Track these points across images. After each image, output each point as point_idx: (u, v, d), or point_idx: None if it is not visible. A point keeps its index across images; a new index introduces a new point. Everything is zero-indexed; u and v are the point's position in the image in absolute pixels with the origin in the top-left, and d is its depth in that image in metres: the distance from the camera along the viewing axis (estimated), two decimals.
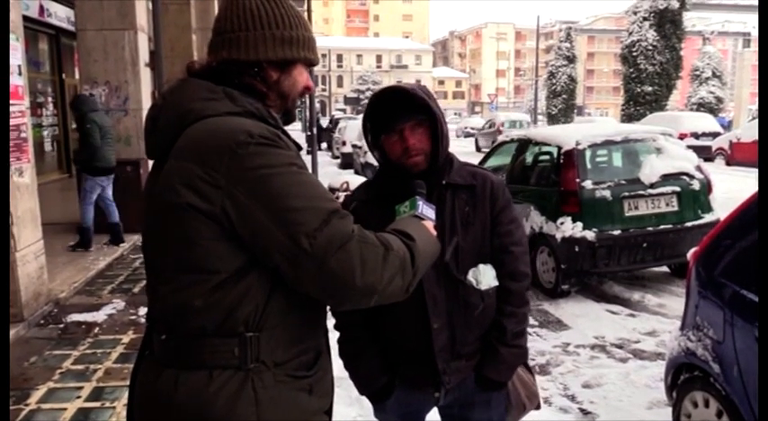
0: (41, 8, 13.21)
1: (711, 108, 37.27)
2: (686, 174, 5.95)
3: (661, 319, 5.30)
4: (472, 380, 1.88)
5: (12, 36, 4.71)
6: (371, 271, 1.17)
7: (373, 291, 1.18)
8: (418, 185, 1.64)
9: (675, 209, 5.86)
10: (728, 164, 18.44)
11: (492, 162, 7.29)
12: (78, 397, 3.67)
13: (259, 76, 1.32)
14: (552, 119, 45.33)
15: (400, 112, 1.76)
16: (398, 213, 1.52)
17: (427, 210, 1.50)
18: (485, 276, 1.83)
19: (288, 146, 1.23)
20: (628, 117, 32.12)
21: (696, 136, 20.87)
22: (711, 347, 2.71)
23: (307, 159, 15.72)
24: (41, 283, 5.23)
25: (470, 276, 1.82)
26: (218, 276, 1.17)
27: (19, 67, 4.87)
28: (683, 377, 2.95)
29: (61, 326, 4.96)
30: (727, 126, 32.38)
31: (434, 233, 1.46)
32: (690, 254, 3.10)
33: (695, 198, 5.95)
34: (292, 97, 1.39)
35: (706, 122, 22.24)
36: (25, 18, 10.00)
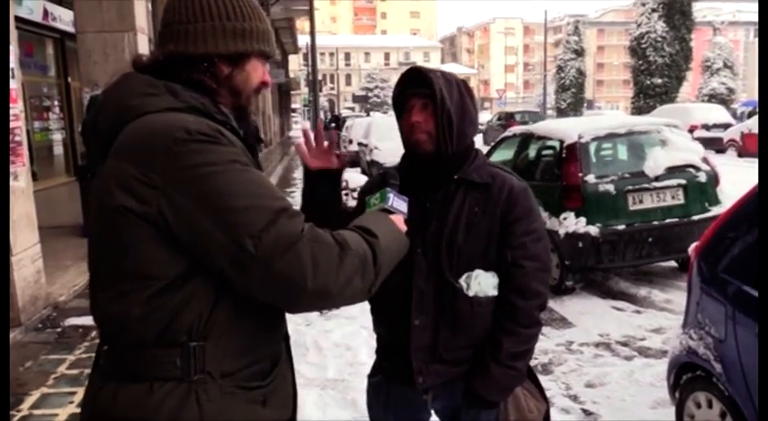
0: (45, 12, 13.20)
1: (723, 99, 36.92)
2: (692, 166, 5.82)
3: (668, 316, 5.18)
4: (461, 390, 1.79)
5: None
6: (325, 272, 1.10)
7: (328, 294, 1.11)
8: (390, 176, 1.56)
9: (681, 202, 5.73)
10: (740, 155, 18.17)
11: (495, 157, 7.19)
12: (71, 402, 3.63)
13: (209, 72, 1.25)
14: (562, 113, 45.09)
15: (411, 91, 1.75)
16: (368, 205, 1.43)
17: (398, 203, 1.41)
18: (478, 283, 1.72)
19: (231, 142, 1.15)
20: (638, 110, 31.82)
21: (707, 127, 20.62)
22: (713, 346, 2.61)
23: None
24: (39, 287, 5.20)
25: (462, 280, 1.72)
26: (157, 283, 1.11)
27: (12, 70, 4.83)
28: (686, 377, 2.86)
29: (59, 329, 4.94)
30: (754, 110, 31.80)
31: (403, 227, 1.37)
32: (691, 248, 2.99)
33: (702, 190, 5.82)
34: (246, 93, 1.31)
35: (717, 114, 21.95)
36: (29, 22, 10.01)
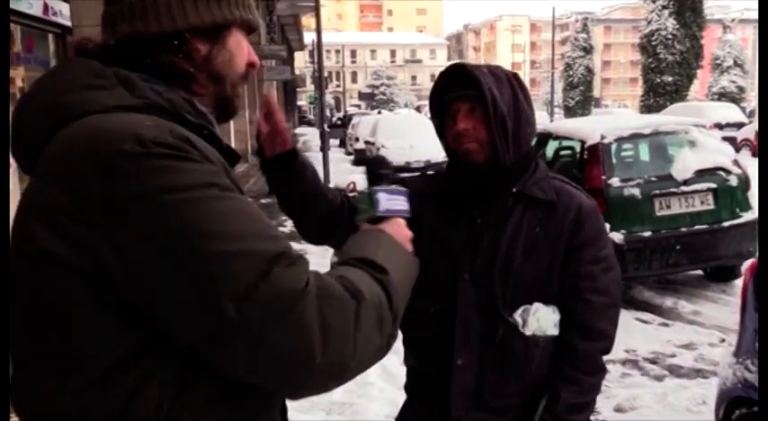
0: (46, 6, 12.94)
1: (733, 97, 36.52)
2: (722, 169, 5.47)
3: (698, 330, 4.84)
4: None
5: None
6: (339, 340, 0.78)
7: (344, 369, 0.80)
8: (376, 164, 1.23)
9: (711, 207, 5.38)
10: (755, 155, 17.78)
11: None
12: None
13: (181, 52, 0.92)
14: (570, 111, 44.74)
15: (455, 94, 1.47)
16: (357, 213, 1.11)
17: (391, 203, 1.09)
18: (536, 319, 1.43)
19: (206, 157, 0.82)
20: (647, 108, 31.38)
21: (720, 126, 20.16)
22: None
23: (317, 157, 15.45)
24: None
25: (518, 315, 1.42)
26: (96, 364, 0.77)
27: None
28: (739, 412, 2.53)
29: None
30: None
31: (407, 234, 1.05)
32: (746, 265, 2.66)
33: (732, 195, 5.47)
34: (231, 79, 0.98)
35: (730, 112, 21.54)
36: (30, 17, 9.75)
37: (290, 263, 0.79)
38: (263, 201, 11.75)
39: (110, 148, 0.76)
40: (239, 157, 0.96)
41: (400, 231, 1.04)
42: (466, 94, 1.44)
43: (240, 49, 0.99)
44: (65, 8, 13.34)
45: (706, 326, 4.86)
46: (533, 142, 1.52)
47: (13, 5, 6.85)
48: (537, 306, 1.43)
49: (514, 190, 1.46)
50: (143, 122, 0.80)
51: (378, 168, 1.21)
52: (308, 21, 33.83)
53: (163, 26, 0.91)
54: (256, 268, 0.75)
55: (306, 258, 0.82)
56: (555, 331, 1.44)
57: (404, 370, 1.66)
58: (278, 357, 0.76)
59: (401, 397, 1.70)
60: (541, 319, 1.43)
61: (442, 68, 1.53)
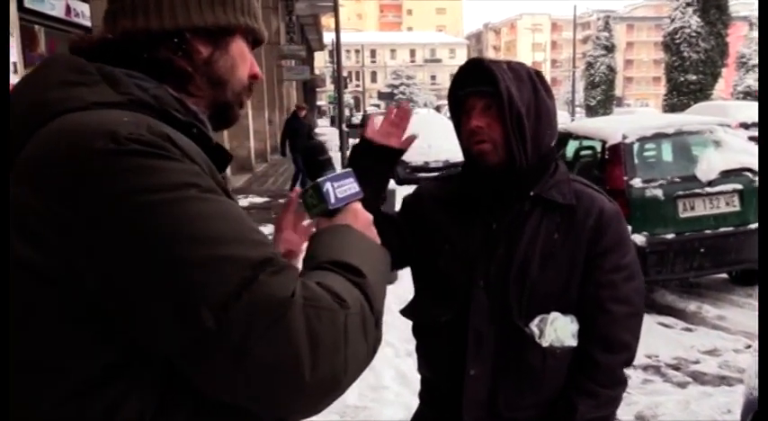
0: (68, 8, 13.13)
1: None
2: (749, 170, 5.31)
3: (722, 335, 4.71)
4: None
5: None
6: (330, 353, 0.73)
7: (336, 384, 0.75)
8: (316, 151, 1.14)
9: (737, 209, 5.23)
10: None
11: None
12: None
13: (181, 50, 0.88)
14: (591, 110, 44.37)
15: (470, 89, 1.40)
16: (308, 208, 1.00)
17: (340, 190, 0.97)
18: (554, 330, 1.36)
19: (188, 155, 0.77)
20: (671, 107, 31.00)
21: (746, 126, 19.75)
22: None
23: (336, 157, 15.42)
24: None
25: (534, 325, 1.35)
26: (71, 378, 0.73)
27: (15, 64, 4.60)
28: None
29: None
30: None
31: (368, 218, 0.97)
32: None
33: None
34: (233, 86, 0.94)
35: (756, 112, 21.16)
36: (52, 18, 9.88)
37: (277, 270, 0.73)
38: (281, 200, 11.80)
39: (82, 147, 0.72)
40: (230, 157, 0.92)
41: (360, 219, 0.96)
42: (481, 91, 1.37)
43: (243, 57, 0.95)
44: (86, 9, 13.51)
45: (731, 332, 4.73)
46: (554, 143, 1.45)
47: (35, 7, 6.92)
48: (554, 315, 1.36)
49: (532, 193, 1.39)
50: (120, 119, 0.76)
51: (316, 155, 1.11)
52: (327, 20, 33.91)
53: (164, 23, 0.87)
54: (239, 275, 0.70)
55: (295, 266, 0.77)
56: (573, 342, 1.37)
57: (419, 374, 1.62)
58: (263, 373, 0.70)
59: (416, 401, 1.65)
60: (559, 330, 1.36)
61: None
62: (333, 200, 0.96)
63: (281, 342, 0.70)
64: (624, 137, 5.31)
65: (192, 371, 0.72)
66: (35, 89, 0.82)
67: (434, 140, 13.39)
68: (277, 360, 0.70)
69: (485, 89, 1.36)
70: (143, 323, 0.71)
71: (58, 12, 12.23)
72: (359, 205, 0.98)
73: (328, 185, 0.97)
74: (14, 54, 4.64)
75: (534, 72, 1.41)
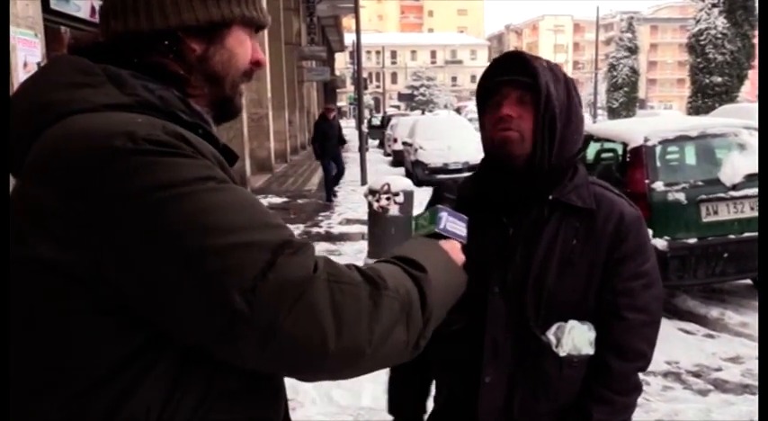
0: (93, 9, 13.30)
1: None
2: None
3: (745, 342, 4.62)
4: None
5: (30, 32, 4.54)
6: (353, 324, 0.77)
7: (359, 354, 0.78)
8: (445, 188, 1.19)
9: None
10: None
11: None
12: None
13: (173, 52, 0.87)
14: (613, 113, 43.92)
15: (508, 78, 1.35)
16: (415, 228, 1.09)
17: (453, 225, 1.07)
18: (571, 338, 1.33)
19: (200, 152, 0.79)
20: (695, 110, 30.56)
21: None
22: None
23: (355, 158, 15.42)
24: None
25: (551, 333, 1.33)
26: (85, 374, 0.75)
27: (38, 64, 4.66)
28: None
29: None
30: None
31: (459, 257, 1.02)
32: None
33: None
34: (231, 79, 0.93)
35: None
36: (77, 19, 10.03)
37: (295, 250, 0.78)
38: (300, 201, 11.85)
39: (101, 147, 0.74)
40: (237, 157, 0.93)
41: (453, 247, 1.02)
42: (518, 80, 1.33)
43: (243, 47, 0.94)
44: None
45: (754, 339, 4.62)
46: (577, 150, 1.42)
47: (60, 8, 7.00)
48: (572, 324, 1.33)
49: (551, 198, 1.36)
50: (134, 120, 0.77)
51: (445, 192, 1.18)
52: (348, 22, 34.02)
53: (155, 24, 0.86)
54: (262, 259, 0.74)
55: (311, 244, 0.81)
56: (591, 350, 1.34)
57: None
58: (291, 345, 0.75)
59: (431, 404, 1.64)
60: (576, 338, 1.33)
61: (484, 68, 1.44)
62: (441, 225, 1.04)
63: (308, 316, 0.74)
64: (646, 139, 5.23)
65: (225, 351, 0.75)
66: (40, 90, 0.83)
67: (453, 142, 13.37)
68: (305, 333, 0.74)
69: (523, 79, 1.32)
70: (174, 313, 0.74)
71: (84, 13, 12.40)
72: (459, 246, 1.05)
73: (445, 214, 1.06)
74: (39, 55, 4.70)
75: (569, 78, 1.39)
